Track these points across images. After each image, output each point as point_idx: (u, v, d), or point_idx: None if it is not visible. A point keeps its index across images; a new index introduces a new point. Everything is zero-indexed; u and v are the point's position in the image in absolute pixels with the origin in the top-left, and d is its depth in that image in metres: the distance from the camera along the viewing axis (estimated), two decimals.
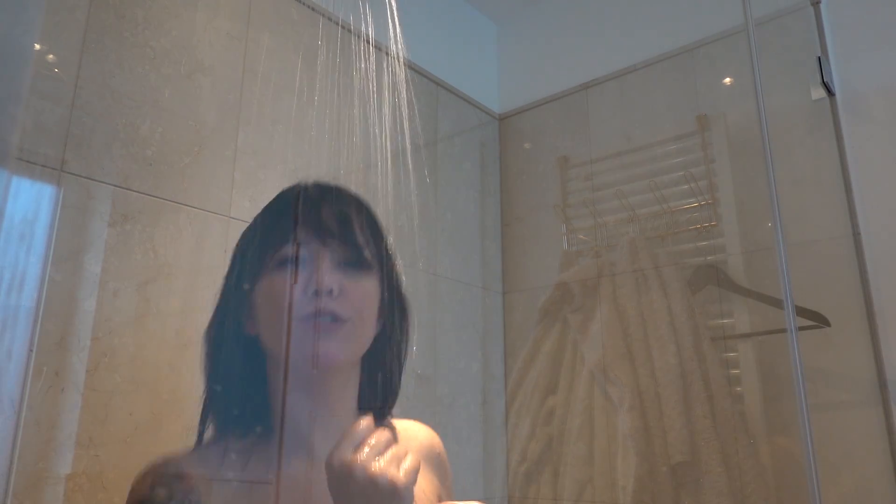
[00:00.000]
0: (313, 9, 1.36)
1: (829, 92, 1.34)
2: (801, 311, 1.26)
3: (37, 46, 0.92)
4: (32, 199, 0.90)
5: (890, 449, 1.17)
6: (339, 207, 0.73)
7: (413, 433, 0.81)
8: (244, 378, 0.70)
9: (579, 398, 1.52)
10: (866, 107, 1.30)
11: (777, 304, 1.32)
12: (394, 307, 0.75)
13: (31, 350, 0.86)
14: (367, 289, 0.71)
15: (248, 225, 0.77)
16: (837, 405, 1.24)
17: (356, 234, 0.71)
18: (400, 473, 0.56)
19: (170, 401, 0.99)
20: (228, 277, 0.74)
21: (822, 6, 1.39)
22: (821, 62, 1.33)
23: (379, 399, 0.75)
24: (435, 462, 0.80)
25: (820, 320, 1.26)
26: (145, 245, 1.01)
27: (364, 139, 1.14)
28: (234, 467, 0.66)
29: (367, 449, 0.56)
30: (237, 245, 0.76)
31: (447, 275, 1.63)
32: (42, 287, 0.88)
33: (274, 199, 0.75)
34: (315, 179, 0.75)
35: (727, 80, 1.52)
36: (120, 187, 1.00)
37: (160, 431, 0.97)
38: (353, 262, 0.70)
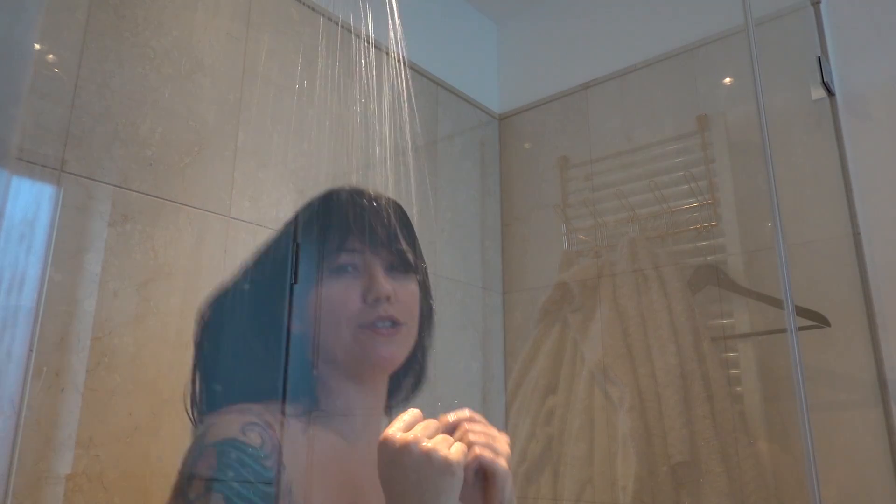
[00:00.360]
0: (313, 9, 1.36)
1: (829, 92, 1.34)
2: (801, 311, 1.26)
3: (37, 46, 0.92)
4: (32, 199, 0.90)
5: (890, 449, 1.17)
6: (384, 213, 0.76)
7: None
8: (287, 367, 0.72)
9: (579, 398, 1.52)
10: (866, 107, 1.30)
11: (777, 304, 1.32)
12: (429, 309, 0.80)
13: (31, 350, 0.86)
14: (414, 291, 0.76)
15: (284, 226, 0.78)
16: (837, 405, 1.24)
17: (400, 239, 0.76)
18: (451, 450, 0.58)
19: (170, 401, 0.99)
20: (257, 268, 0.77)
21: (822, 6, 1.39)
22: (821, 62, 1.33)
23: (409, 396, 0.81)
24: None
25: (820, 320, 1.26)
26: (145, 245, 1.01)
27: (364, 139, 1.14)
28: (298, 424, 0.68)
29: (419, 429, 0.60)
30: (275, 243, 0.78)
31: (447, 275, 1.63)
32: (42, 287, 0.88)
33: (318, 203, 0.77)
34: (351, 185, 0.78)
35: (727, 80, 1.52)
36: (120, 187, 1.00)
37: (160, 431, 0.97)
38: (400, 267, 0.75)
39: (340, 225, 0.74)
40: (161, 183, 1.05)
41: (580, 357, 1.56)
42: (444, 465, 0.57)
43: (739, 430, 1.31)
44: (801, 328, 1.26)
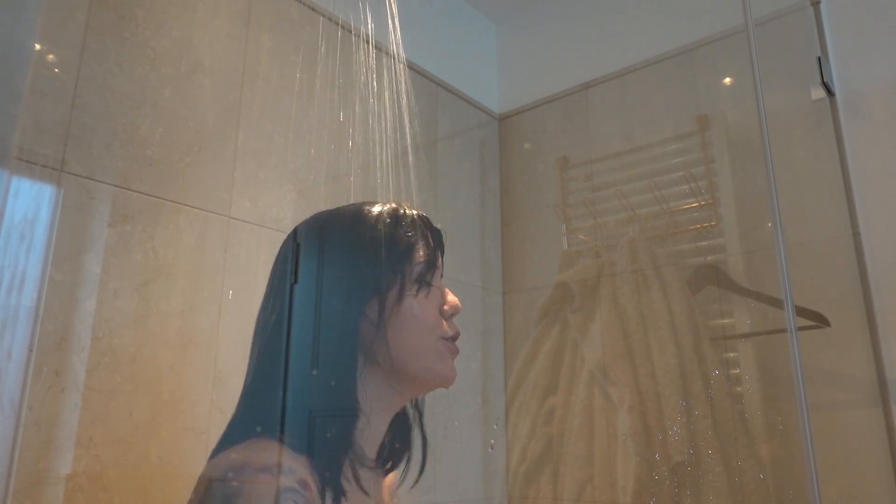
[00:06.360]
0: (313, 9, 1.36)
1: (829, 92, 1.34)
2: (801, 311, 1.26)
3: (37, 46, 0.92)
4: (32, 199, 0.90)
5: (890, 449, 1.17)
6: (441, 238, 0.78)
7: None
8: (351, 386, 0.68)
9: (579, 398, 1.52)
10: (866, 107, 1.30)
11: (777, 304, 1.32)
12: None
13: (31, 350, 0.86)
14: None
15: (356, 235, 0.73)
16: (837, 405, 1.24)
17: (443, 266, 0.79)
18: None
19: (170, 401, 0.99)
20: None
21: (822, 6, 1.39)
22: (821, 62, 1.33)
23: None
24: None
25: (820, 320, 1.26)
26: (145, 245, 1.01)
27: (364, 139, 1.14)
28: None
29: None
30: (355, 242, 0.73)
31: (447, 275, 1.62)
32: (42, 287, 0.88)
33: (396, 214, 0.74)
34: (413, 208, 0.77)
35: (727, 80, 1.52)
36: (120, 187, 1.00)
37: (160, 431, 0.97)
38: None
39: (420, 239, 0.74)
40: (161, 183, 1.05)
41: (580, 357, 1.56)
42: None
43: (739, 430, 1.31)
44: (801, 328, 1.26)
